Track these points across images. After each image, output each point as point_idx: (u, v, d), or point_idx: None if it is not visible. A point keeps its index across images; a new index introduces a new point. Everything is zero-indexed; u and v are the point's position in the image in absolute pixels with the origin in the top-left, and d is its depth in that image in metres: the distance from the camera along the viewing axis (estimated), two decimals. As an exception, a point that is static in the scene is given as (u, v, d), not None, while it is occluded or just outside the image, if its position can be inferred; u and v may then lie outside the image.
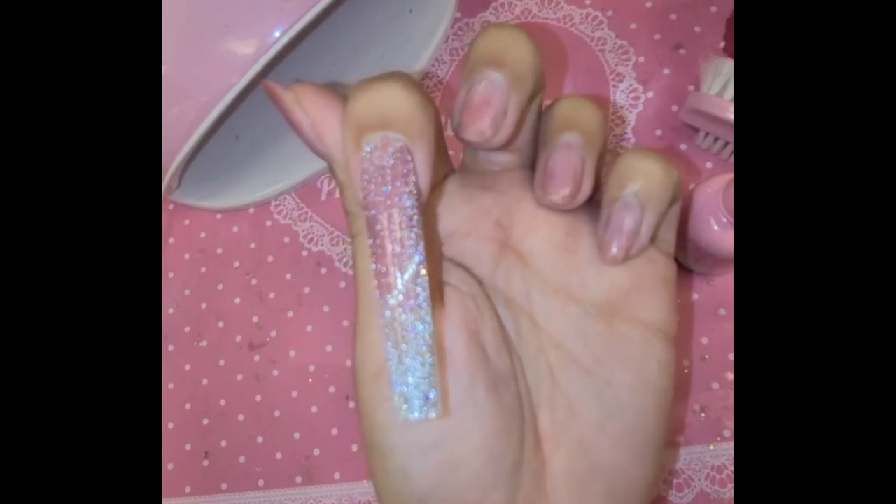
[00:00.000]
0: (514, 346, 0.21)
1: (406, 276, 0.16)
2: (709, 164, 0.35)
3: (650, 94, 0.37)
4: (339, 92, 0.19)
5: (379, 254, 0.16)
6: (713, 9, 0.37)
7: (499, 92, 0.18)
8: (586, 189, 0.20)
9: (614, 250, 0.20)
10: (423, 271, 0.16)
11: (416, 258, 0.16)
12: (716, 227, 0.29)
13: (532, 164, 0.22)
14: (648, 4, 0.38)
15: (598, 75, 0.37)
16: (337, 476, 0.38)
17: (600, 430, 0.20)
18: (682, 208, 0.30)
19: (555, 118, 0.20)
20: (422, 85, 0.18)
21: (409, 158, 0.16)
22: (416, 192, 0.16)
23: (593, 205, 0.21)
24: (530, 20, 0.39)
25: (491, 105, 0.18)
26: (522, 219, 0.21)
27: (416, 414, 0.17)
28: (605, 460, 0.20)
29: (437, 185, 0.21)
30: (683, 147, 0.35)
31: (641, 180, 0.19)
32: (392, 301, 0.16)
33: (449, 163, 0.22)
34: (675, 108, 0.36)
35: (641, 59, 0.37)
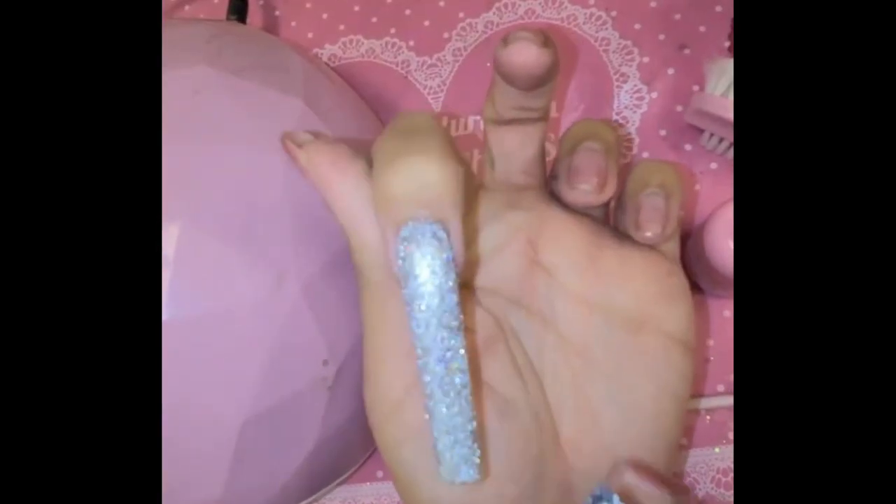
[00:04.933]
0: (534, 361, 0.22)
1: (446, 343, 0.17)
2: (713, 165, 0.35)
3: (654, 95, 0.36)
4: (355, 150, 0.19)
5: (418, 327, 0.17)
6: (718, 8, 0.37)
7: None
8: (611, 187, 0.21)
9: (655, 228, 0.21)
10: (461, 339, 0.17)
11: (456, 323, 0.17)
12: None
13: (546, 189, 0.23)
14: (653, 4, 0.38)
15: (601, 76, 0.37)
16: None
17: (621, 434, 0.21)
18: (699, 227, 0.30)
19: (574, 134, 0.22)
20: (449, 132, 0.19)
21: (445, 234, 0.17)
22: (450, 263, 0.17)
23: (612, 222, 0.23)
24: (534, 20, 0.39)
25: None
26: (548, 234, 0.22)
27: (461, 478, 0.17)
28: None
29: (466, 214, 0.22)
30: (688, 147, 0.35)
31: (660, 175, 0.22)
32: (434, 366, 0.17)
33: (473, 179, 0.22)
34: (679, 108, 0.36)
35: (646, 59, 0.37)
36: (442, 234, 0.17)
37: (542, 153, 0.23)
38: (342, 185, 0.19)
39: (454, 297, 0.17)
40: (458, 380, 0.17)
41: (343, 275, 0.28)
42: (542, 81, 0.20)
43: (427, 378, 0.17)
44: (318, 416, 0.28)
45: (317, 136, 0.20)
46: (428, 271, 0.16)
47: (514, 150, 0.22)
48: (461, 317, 0.17)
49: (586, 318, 0.21)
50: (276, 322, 0.26)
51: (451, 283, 0.17)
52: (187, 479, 0.27)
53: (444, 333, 0.17)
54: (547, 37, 0.19)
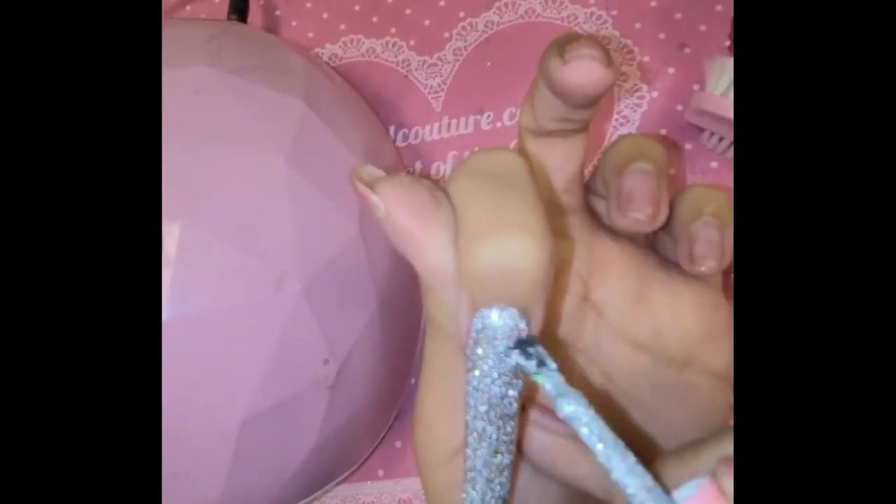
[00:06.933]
0: None
1: (499, 436, 0.16)
2: (714, 164, 0.35)
3: (655, 94, 0.36)
4: (434, 192, 0.16)
5: (474, 419, 0.16)
6: (718, 8, 0.37)
7: None
8: (664, 213, 0.20)
9: (710, 263, 0.20)
10: (515, 426, 0.16)
11: (513, 409, 0.16)
12: None
13: (587, 209, 0.22)
14: (653, 3, 0.38)
15: (602, 75, 0.37)
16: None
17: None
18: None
19: (623, 151, 0.21)
20: (535, 176, 0.16)
21: (525, 323, 0.15)
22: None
23: (659, 253, 0.22)
24: (534, 20, 0.39)
25: None
26: (598, 269, 0.21)
27: None
28: None
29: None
30: (688, 147, 0.35)
31: (714, 203, 0.20)
32: (488, 456, 0.17)
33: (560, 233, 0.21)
34: (679, 107, 0.36)
35: (646, 58, 0.37)
36: (523, 325, 0.15)
37: (583, 168, 0.21)
38: (424, 239, 0.16)
39: (516, 392, 0.16)
40: (504, 459, 0.17)
41: (344, 274, 0.28)
42: (598, 100, 0.18)
43: (469, 452, 0.17)
44: (318, 416, 0.28)
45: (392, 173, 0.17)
46: (500, 368, 0.15)
47: (557, 167, 0.20)
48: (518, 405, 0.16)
49: (634, 358, 0.21)
50: (276, 322, 0.26)
51: (518, 382, 0.16)
52: (187, 479, 0.27)
53: (497, 426, 0.16)
54: (609, 53, 0.17)
